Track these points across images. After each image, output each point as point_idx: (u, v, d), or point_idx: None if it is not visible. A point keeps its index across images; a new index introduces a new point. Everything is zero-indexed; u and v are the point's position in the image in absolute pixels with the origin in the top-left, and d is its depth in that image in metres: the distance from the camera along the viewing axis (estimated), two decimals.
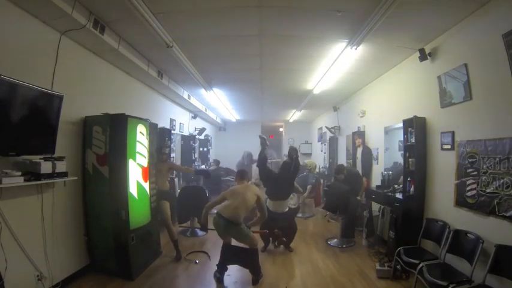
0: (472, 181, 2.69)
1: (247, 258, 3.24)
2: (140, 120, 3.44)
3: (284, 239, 4.18)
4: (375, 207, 4.51)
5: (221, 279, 3.21)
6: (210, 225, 3.38)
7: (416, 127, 3.48)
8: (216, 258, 3.35)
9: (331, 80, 5.05)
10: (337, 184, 4.66)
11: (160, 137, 4.77)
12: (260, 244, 4.14)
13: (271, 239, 4.23)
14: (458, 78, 2.90)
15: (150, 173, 3.64)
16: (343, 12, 2.80)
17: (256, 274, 3.20)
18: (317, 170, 7.88)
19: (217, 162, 8.81)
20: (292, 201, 4.98)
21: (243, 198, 3.19)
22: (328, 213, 5.20)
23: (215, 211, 3.26)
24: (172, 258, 3.78)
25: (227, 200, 3.25)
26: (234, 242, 3.36)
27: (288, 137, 12.38)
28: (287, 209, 4.27)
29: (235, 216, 3.10)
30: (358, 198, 4.76)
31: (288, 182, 4.26)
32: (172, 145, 6.02)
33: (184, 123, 7.34)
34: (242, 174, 3.59)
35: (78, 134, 3.17)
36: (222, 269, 3.25)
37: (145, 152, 3.50)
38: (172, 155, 6.17)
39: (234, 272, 3.38)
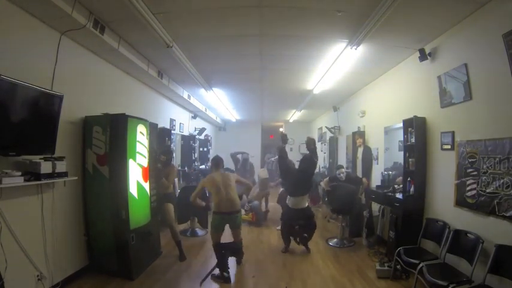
0: (472, 181, 2.69)
1: (237, 249, 3.62)
2: (140, 120, 3.44)
3: (305, 235, 4.15)
4: (375, 207, 4.51)
5: (229, 277, 3.23)
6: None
7: (416, 127, 3.48)
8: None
9: (331, 80, 5.05)
10: (342, 185, 4.66)
11: (160, 138, 4.70)
12: (281, 244, 4.27)
13: (292, 238, 4.20)
14: (458, 78, 2.90)
15: (150, 173, 3.64)
16: (343, 12, 2.80)
17: (241, 257, 3.69)
18: (316, 170, 7.91)
19: None
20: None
21: (228, 185, 3.39)
22: (328, 213, 5.19)
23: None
24: (176, 259, 3.78)
25: (213, 194, 3.35)
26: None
27: (288, 137, 12.34)
28: (306, 205, 4.21)
29: (234, 205, 3.37)
30: (360, 197, 4.77)
31: (307, 176, 4.19)
32: (172, 145, 5.99)
33: (184, 123, 7.34)
34: (218, 162, 3.63)
35: (78, 134, 3.17)
36: (225, 266, 3.28)
37: (146, 152, 3.50)
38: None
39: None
